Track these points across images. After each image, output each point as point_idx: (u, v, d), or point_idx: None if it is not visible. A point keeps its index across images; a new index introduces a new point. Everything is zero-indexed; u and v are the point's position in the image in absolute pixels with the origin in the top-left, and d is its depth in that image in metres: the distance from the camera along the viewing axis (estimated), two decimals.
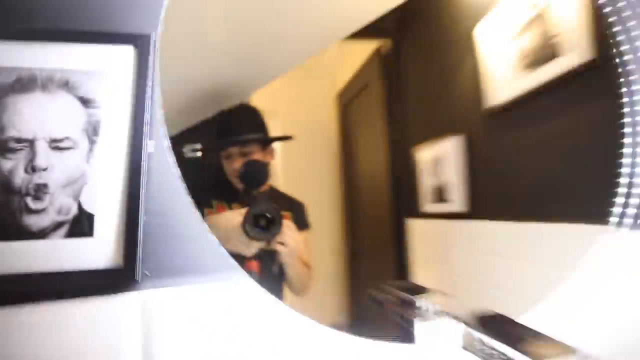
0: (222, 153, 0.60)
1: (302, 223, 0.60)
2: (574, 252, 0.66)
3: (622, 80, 0.68)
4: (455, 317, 0.48)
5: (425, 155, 0.70)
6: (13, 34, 0.50)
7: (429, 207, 0.69)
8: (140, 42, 0.54)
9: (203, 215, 0.56)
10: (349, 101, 0.65)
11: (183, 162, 0.58)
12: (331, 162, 0.65)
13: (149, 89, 0.53)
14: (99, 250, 0.49)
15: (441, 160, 0.70)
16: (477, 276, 0.67)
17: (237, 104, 0.62)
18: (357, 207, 0.64)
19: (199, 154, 0.58)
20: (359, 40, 0.68)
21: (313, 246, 0.62)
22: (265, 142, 0.60)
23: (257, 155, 0.59)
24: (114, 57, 0.53)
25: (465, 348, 0.47)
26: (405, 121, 0.69)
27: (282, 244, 0.56)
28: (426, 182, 0.69)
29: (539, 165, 0.71)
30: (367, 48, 0.68)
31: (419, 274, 0.65)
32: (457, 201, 0.69)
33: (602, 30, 0.67)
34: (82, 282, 0.47)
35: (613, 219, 0.66)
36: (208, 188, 0.60)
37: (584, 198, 0.70)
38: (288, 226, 0.56)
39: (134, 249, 0.50)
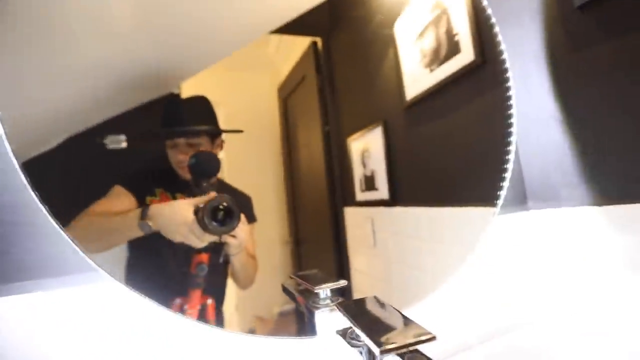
0: (167, 142, 0.56)
1: (248, 216, 0.60)
2: (472, 233, 0.77)
3: (504, 76, 0.81)
4: (340, 307, 0.47)
5: (357, 146, 0.75)
6: None
7: (362, 195, 0.74)
8: None
9: (146, 203, 0.52)
10: (288, 95, 0.66)
11: (109, 152, 0.53)
12: (274, 154, 0.65)
13: None
14: None
15: (368, 151, 0.76)
16: (403, 259, 0.74)
17: (167, 93, 0.59)
18: (299, 198, 0.66)
19: (124, 145, 0.54)
20: (297, 36, 0.70)
21: (258, 237, 0.62)
22: (216, 134, 0.58)
23: (206, 147, 0.57)
24: None
25: (340, 335, 0.49)
26: (338, 114, 0.73)
27: (233, 236, 0.56)
28: (358, 172, 0.75)
29: (445, 154, 0.82)
30: (304, 43, 0.70)
31: (356, 260, 0.69)
32: (383, 189, 0.75)
33: (486, 32, 0.80)
34: None
35: (500, 202, 0.79)
36: (151, 176, 0.56)
37: (479, 183, 0.83)
38: (240, 219, 0.55)
39: None
